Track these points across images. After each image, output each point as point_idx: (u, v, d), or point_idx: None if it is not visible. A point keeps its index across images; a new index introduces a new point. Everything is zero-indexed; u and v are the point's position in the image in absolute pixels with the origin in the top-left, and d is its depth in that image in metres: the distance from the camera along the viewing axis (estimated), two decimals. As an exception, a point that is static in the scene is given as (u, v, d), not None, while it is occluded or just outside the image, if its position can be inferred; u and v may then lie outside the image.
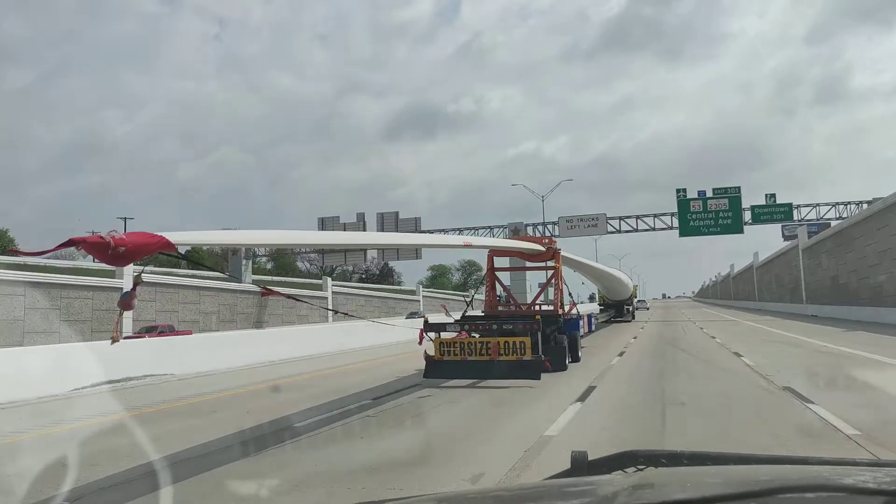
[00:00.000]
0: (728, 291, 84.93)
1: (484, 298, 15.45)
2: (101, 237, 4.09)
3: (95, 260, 5.09)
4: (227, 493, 5.30)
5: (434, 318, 13.38)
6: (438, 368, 11.89)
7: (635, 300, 44.08)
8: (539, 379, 11.04)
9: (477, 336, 12.28)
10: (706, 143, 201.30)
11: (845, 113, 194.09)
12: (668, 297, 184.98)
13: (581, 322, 16.37)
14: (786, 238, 63.49)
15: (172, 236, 4.61)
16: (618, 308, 37.87)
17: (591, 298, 52.13)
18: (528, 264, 16.45)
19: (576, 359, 14.31)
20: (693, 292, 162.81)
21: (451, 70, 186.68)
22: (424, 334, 12.25)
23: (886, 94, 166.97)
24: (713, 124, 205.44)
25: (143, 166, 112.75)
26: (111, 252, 4.06)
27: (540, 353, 11.55)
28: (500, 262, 16.53)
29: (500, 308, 15.79)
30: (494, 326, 12.27)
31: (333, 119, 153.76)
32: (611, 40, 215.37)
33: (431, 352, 12.09)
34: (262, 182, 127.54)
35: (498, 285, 15.86)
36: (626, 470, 1.44)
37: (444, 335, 12.24)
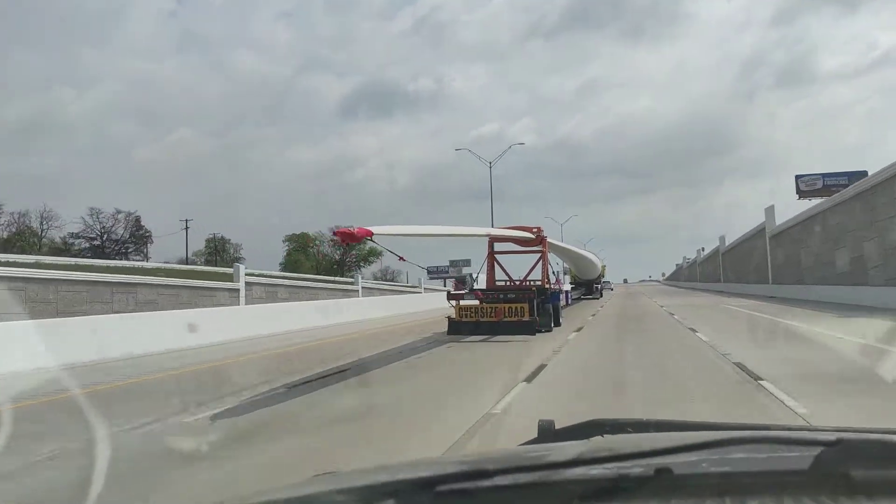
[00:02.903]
0: (737, 269, 53.39)
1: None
2: (350, 229, 8.75)
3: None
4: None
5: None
6: (458, 327, 15.83)
7: (602, 280, 48.44)
8: (534, 335, 15.05)
9: (485, 303, 16.27)
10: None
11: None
12: (628, 282, 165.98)
13: (561, 295, 20.63)
14: (800, 194, 46.05)
15: (374, 229, 9.07)
16: (588, 286, 41.95)
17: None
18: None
19: (558, 323, 18.33)
20: (663, 275, 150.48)
21: (412, 48, 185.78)
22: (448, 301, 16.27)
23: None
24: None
25: (102, 148, 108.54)
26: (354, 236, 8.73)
27: (535, 315, 15.59)
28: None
29: (496, 283, 19.78)
30: (501, 296, 16.28)
31: (292, 98, 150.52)
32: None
33: (452, 315, 16.04)
34: (220, 165, 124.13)
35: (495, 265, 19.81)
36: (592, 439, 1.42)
37: (462, 302, 16.20)
